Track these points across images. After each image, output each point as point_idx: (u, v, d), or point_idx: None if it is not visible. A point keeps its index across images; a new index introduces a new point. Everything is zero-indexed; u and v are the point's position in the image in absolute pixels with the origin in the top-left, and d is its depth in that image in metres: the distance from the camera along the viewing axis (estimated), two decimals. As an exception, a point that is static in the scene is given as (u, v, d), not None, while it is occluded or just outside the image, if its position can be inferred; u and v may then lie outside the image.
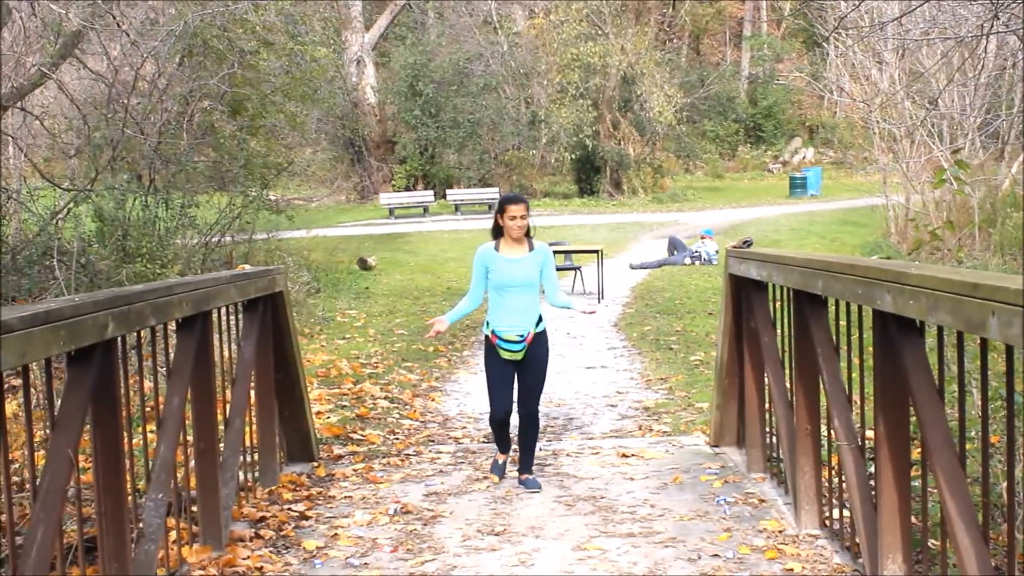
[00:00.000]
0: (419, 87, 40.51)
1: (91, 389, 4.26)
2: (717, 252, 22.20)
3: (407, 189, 41.28)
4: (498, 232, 7.00)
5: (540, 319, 6.96)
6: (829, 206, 35.12)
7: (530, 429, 7.07)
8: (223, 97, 18.00)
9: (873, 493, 4.81)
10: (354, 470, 7.43)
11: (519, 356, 6.86)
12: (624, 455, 7.66)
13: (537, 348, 6.93)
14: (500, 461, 7.26)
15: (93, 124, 15.69)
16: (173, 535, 5.31)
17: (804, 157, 54.61)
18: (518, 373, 6.95)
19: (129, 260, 13.66)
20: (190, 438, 5.71)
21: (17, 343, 3.47)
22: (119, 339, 4.50)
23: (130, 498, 4.66)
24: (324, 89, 25.05)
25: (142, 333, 5.09)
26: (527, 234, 6.95)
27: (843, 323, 5.39)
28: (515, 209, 6.82)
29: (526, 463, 7.07)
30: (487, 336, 6.96)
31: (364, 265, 22.30)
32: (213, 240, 17.25)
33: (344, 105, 39.57)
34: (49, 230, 13.37)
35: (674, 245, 23.68)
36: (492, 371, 6.97)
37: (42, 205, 14.23)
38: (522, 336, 6.83)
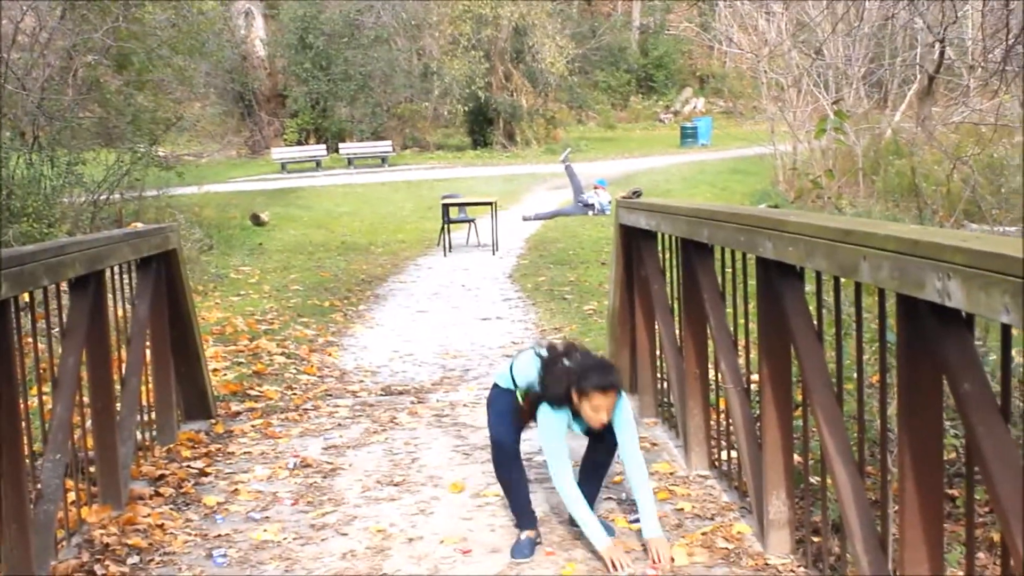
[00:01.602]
0: (309, 39, 40.10)
1: (-16, 351, 4.25)
2: (611, 202, 22.43)
3: (299, 143, 40.93)
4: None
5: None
6: (719, 155, 35.64)
7: None
8: (108, 51, 17.67)
9: (758, 434, 5.00)
10: (252, 426, 7.46)
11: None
12: (520, 404, 7.79)
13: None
14: (524, 538, 5.05)
15: (-30, 80, 15.32)
16: (72, 496, 5.32)
17: (695, 107, 55.25)
18: None
19: (15, 220, 13.39)
20: (86, 399, 5.70)
21: (-91, 306, 3.46)
22: (11, 300, 4.49)
23: (27, 460, 4.66)
24: (212, 42, 24.68)
25: (34, 294, 5.06)
26: None
27: (728, 270, 5.55)
28: (603, 401, 4.84)
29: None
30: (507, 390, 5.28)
31: (257, 221, 22.14)
32: (102, 198, 16.96)
33: (233, 58, 39.05)
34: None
35: (570, 175, 23.81)
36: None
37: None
38: None
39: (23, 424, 4.58)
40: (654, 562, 4.67)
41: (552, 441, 4.95)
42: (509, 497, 5.21)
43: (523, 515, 5.10)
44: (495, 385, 5.36)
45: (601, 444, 5.18)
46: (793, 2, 21.75)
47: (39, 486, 4.82)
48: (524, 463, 6.08)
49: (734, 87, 43.88)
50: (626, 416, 5.00)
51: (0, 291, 4.25)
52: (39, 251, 4.84)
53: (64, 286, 5.61)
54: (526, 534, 5.02)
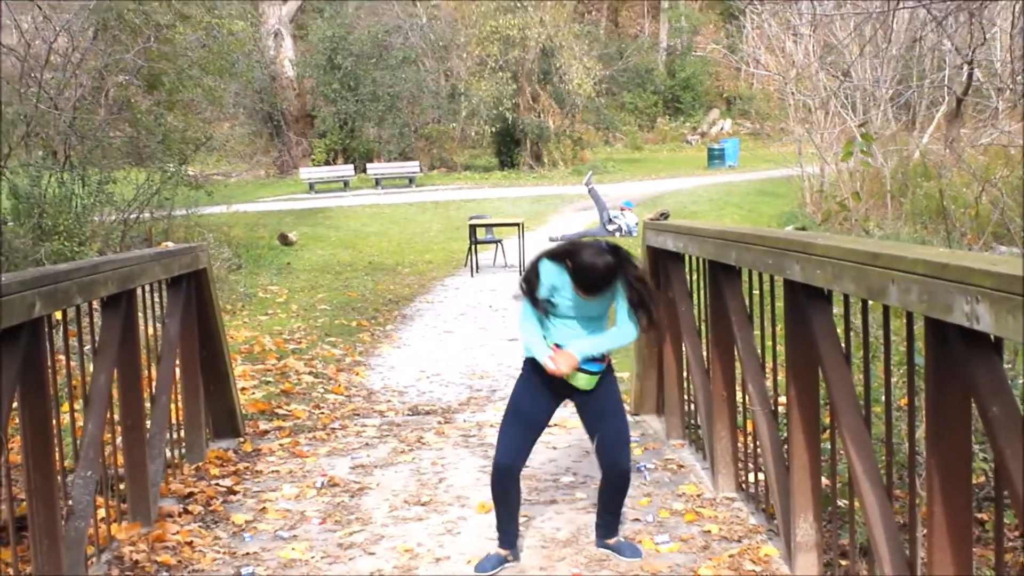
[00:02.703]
0: (338, 60, 40.27)
1: (18, 368, 4.30)
2: (637, 224, 22.42)
3: (327, 163, 41.06)
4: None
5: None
6: (746, 177, 35.57)
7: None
8: (139, 71, 17.83)
9: (786, 456, 5.00)
10: (280, 445, 7.50)
11: (592, 384, 5.03)
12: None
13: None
14: (492, 553, 5.12)
15: (5, 99, 15.48)
16: (101, 512, 5.36)
17: (722, 128, 55.22)
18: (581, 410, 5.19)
19: (46, 238, 13.52)
20: (114, 416, 5.74)
21: (-54, 324, 3.51)
22: (46, 318, 4.54)
23: (59, 476, 4.70)
24: (242, 63, 24.91)
25: (66, 312, 5.11)
26: None
27: (756, 292, 5.56)
28: (589, 299, 4.87)
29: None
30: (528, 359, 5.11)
31: (285, 240, 22.23)
32: (132, 217, 17.08)
33: (262, 79, 39.30)
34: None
35: (595, 198, 23.81)
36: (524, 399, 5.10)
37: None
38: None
39: (56, 441, 4.62)
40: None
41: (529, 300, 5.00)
42: (496, 511, 5.16)
43: (502, 532, 5.14)
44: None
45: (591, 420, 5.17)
46: (820, 24, 21.72)
47: (70, 502, 4.87)
48: (550, 483, 6.11)
49: (761, 108, 43.84)
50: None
51: (34, 309, 4.31)
52: (73, 269, 4.89)
53: (94, 304, 5.67)
54: (497, 550, 5.10)
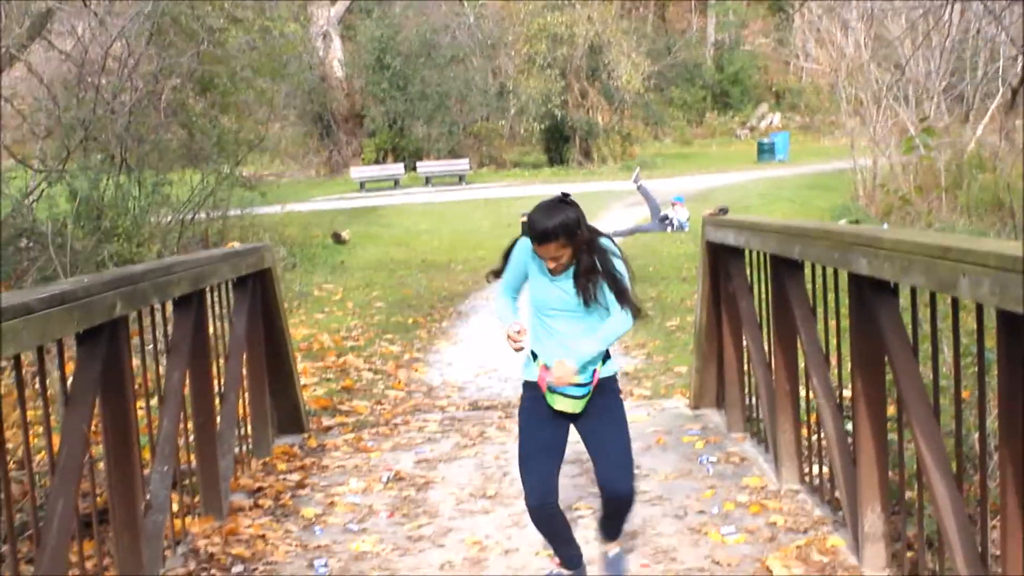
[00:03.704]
0: (386, 60, 40.51)
1: (100, 367, 4.42)
2: (688, 219, 22.40)
3: (377, 162, 41.29)
4: None
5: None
6: (797, 171, 35.39)
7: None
8: (193, 75, 18.04)
9: (851, 448, 5.02)
10: (344, 440, 7.61)
11: (578, 409, 4.62)
12: (607, 419, 7.85)
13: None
14: (555, 572, 4.89)
15: (63, 104, 15.73)
16: (175, 507, 5.48)
17: (771, 122, 54.96)
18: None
19: (106, 240, 13.72)
20: (185, 413, 5.86)
21: (39, 324, 3.63)
22: (125, 318, 4.66)
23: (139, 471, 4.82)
24: (293, 64, 25.10)
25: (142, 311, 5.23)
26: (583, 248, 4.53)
27: (819, 286, 5.58)
28: (541, 251, 4.48)
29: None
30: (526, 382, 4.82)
31: (338, 239, 22.40)
32: (187, 218, 17.30)
33: (312, 80, 39.57)
34: (22, 211, 13.37)
35: (645, 195, 23.80)
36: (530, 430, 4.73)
37: (14, 187, 14.20)
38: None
39: (135, 437, 4.74)
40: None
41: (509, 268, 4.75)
42: (549, 543, 4.88)
43: (563, 558, 4.79)
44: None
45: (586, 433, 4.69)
46: (873, 18, 21.62)
47: (147, 497, 4.98)
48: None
49: (811, 102, 43.62)
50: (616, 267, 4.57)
51: (115, 309, 4.42)
52: (148, 270, 5.01)
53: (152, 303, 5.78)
54: (558, 570, 4.83)
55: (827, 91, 28.22)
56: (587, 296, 4.51)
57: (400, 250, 21.39)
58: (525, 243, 4.61)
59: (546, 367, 4.60)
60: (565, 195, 4.52)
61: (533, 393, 4.70)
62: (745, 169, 39.03)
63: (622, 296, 4.53)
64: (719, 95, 57.28)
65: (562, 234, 4.38)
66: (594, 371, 4.59)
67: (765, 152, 43.11)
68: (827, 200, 25.52)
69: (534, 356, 4.69)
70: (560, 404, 4.58)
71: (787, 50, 37.96)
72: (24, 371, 4.08)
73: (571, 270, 4.53)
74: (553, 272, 4.52)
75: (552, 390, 4.56)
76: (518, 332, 4.63)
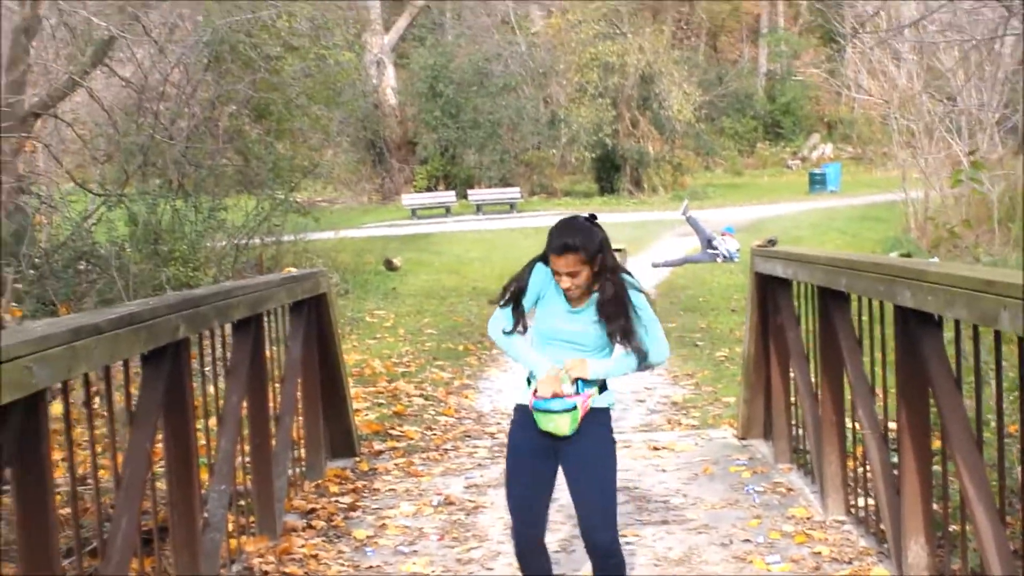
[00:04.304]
0: (439, 88, 40.82)
1: (163, 387, 4.57)
2: (738, 250, 22.41)
3: (428, 190, 41.59)
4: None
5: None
6: (849, 202, 35.26)
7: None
8: (249, 101, 18.35)
9: (896, 480, 5.08)
10: (395, 464, 7.74)
11: (561, 429, 4.30)
12: (655, 448, 7.94)
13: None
14: None
15: (123, 130, 16.06)
16: (230, 527, 5.62)
17: (823, 153, 54.73)
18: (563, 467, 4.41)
19: (163, 264, 13.98)
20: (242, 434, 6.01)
21: (108, 344, 3.79)
22: (187, 340, 4.81)
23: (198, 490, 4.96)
24: (348, 92, 25.41)
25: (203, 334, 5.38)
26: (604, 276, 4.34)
27: (865, 318, 5.64)
28: (560, 263, 4.26)
29: None
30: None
31: (390, 266, 22.60)
32: (242, 243, 17.56)
33: (365, 107, 39.96)
34: (81, 234, 13.64)
35: (694, 225, 23.87)
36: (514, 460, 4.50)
37: (75, 211, 14.50)
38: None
39: (196, 456, 4.89)
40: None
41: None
42: None
43: None
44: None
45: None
46: (925, 50, 21.58)
47: (205, 515, 5.12)
48: (660, 504, 6.25)
49: (863, 133, 43.46)
50: (639, 304, 4.36)
51: (178, 331, 4.58)
52: (210, 294, 5.18)
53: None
54: None
55: (879, 122, 28.12)
56: (613, 326, 4.27)
57: (451, 277, 21.54)
58: (542, 268, 4.36)
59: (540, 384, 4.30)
60: (592, 216, 4.44)
61: (521, 417, 4.43)
62: (796, 200, 38.93)
63: (632, 336, 4.30)
64: (771, 125, 57.17)
65: (582, 247, 4.21)
66: (585, 393, 4.29)
67: (817, 183, 42.96)
68: (878, 232, 25.43)
69: (529, 382, 4.41)
70: (545, 423, 4.27)
71: (839, 81, 37.82)
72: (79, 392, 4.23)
73: (592, 301, 4.31)
74: (568, 293, 4.27)
75: (537, 407, 4.26)
76: (556, 371, 4.29)
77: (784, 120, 57.02)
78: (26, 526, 3.52)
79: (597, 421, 4.37)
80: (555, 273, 4.27)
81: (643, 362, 4.38)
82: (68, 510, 4.03)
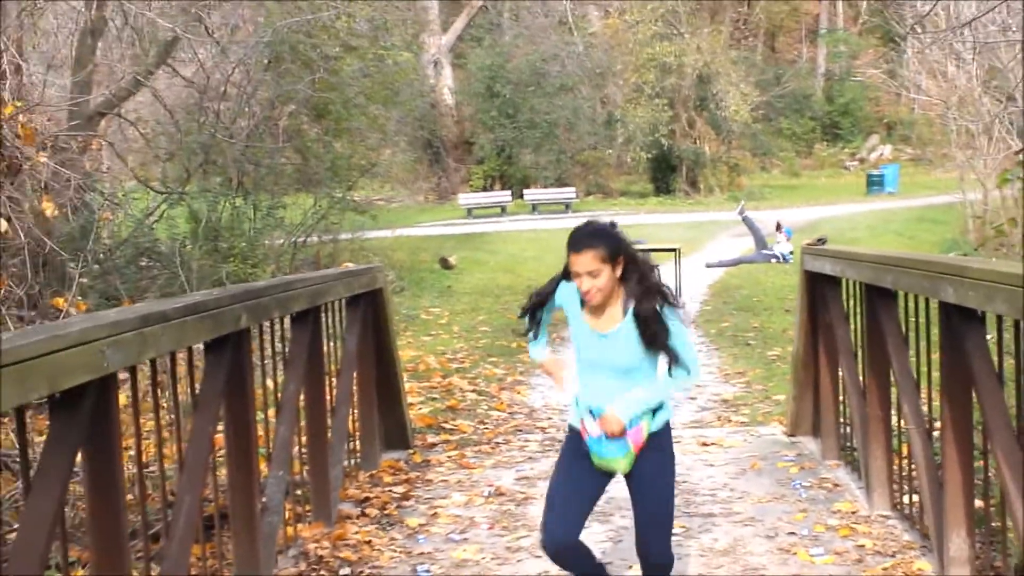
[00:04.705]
0: (496, 88, 41.04)
1: (225, 375, 4.75)
2: (792, 252, 22.40)
3: (484, 189, 41.81)
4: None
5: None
6: (907, 203, 35.05)
7: None
8: (308, 101, 18.60)
9: (939, 475, 5.15)
10: (448, 456, 7.89)
11: (620, 468, 4.31)
12: (704, 444, 8.03)
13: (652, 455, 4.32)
14: None
15: (184, 129, 16.37)
16: (287, 515, 5.80)
17: (881, 154, 54.31)
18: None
19: (223, 260, 14.25)
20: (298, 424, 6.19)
21: (174, 331, 3.97)
22: (248, 330, 4.99)
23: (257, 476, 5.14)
24: (405, 91, 25.63)
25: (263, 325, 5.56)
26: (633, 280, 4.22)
27: (912, 318, 5.71)
28: (579, 260, 4.11)
29: None
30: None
31: (445, 264, 22.81)
32: (300, 240, 17.83)
33: (423, 107, 40.26)
34: (143, 231, 13.93)
35: (750, 226, 23.92)
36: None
37: (137, 208, 14.79)
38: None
39: (255, 444, 5.07)
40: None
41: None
42: None
43: None
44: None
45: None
46: (985, 50, 21.42)
47: (264, 500, 5.30)
48: (708, 498, 6.35)
49: (923, 134, 43.05)
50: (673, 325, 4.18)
51: (240, 321, 4.76)
52: (271, 286, 5.37)
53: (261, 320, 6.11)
54: None
55: (938, 123, 27.92)
56: (651, 340, 4.14)
57: (506, 276, 21.70)
58: (566, 285, 4.29)
59: (587, 419, 4.28)
60: (613, 224, 4.25)
61: (575, 439, 4.38)
62: (854, 201, 38.74)
63: (673, 351, 4.18)
64: (829, 126, 56.81)
65: (602, 243, 4.06)
66: (636, 428, 4.22)
67: (874, 184, 42.71)
68: (936, 234, 25.30)
69: (578, 403, 4.39)
70: (599, 463, 4.27)
71: (898, 81, 37.55)
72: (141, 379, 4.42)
73: (622, 325, 4.16)
74: (587, 297, 4.11)
75: (592, 450, 4.25)
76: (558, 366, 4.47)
77: (843, 121, 56.64)
78: (95, 507, 3.70)
79: (656, 446, 4.29)
80: (575, 275, 4.11)
81: (687, 379, 4.27)
82: (131, 496, 4.21)
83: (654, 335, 4.14)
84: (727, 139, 43.05)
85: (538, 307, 4.50)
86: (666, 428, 4.36)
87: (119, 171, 16.76)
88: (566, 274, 4.26)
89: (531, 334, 4.63)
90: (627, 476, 4.33)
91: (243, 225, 15.86)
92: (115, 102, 14.61)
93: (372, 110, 20.83)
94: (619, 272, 4.13)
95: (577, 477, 4.33)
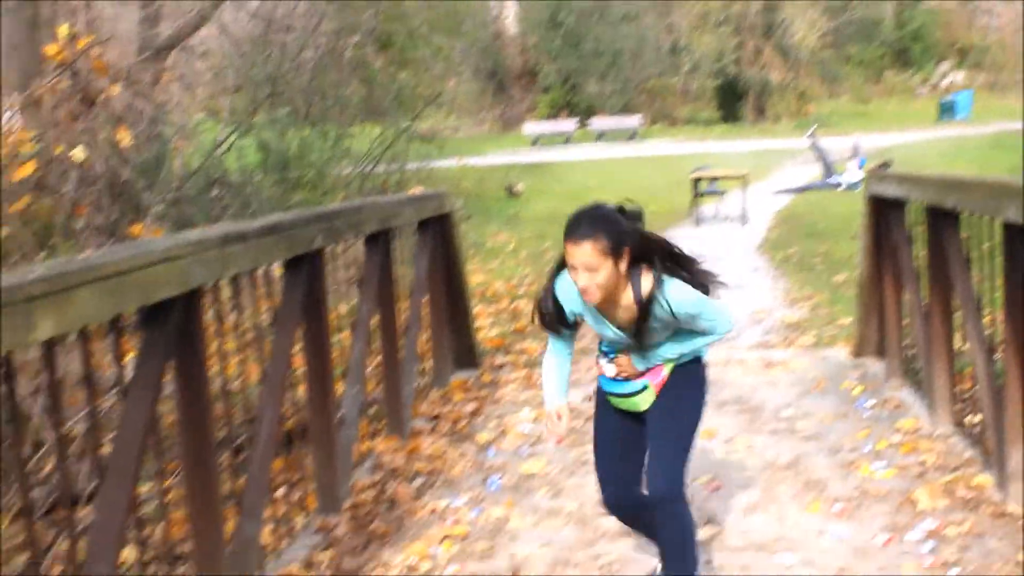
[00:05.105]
0: (560, 17, 40.85)
1: (302, 295, 4.93)
2: (861, 180, 22.23)
3: (550, 118, 41.75)
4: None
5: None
6: (979, 131, 34.49)
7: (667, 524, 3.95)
8: (373, 32, 18.71)
9: (1001, 392, 5.22)
10: (516, 376, 8.07)
11: (639, 406, 4.00)
12: (768, 365, 8.12)
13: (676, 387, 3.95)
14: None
15: (251, 61, 16.57)
16: (362, 433, 6.02)
17: (953, 81, 53.35)
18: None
19: (292, 190, 14.48)
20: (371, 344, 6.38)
21: (253, 249, 4.14)
22: (322, 251, 5.16)
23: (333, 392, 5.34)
24: (468, 22, 25.66)
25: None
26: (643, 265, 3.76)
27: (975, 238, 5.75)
28: (576, 252, 3.59)
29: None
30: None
31: (511, 192, 22.92)
32: (367, 170, 18.00)
33: (486, 37, 40.20)
34: (214, 161, 14.17)
35: (819, 152, 23.84)
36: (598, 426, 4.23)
37: (207, 139, 15.02)
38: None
39: (330, 360, 5.26)
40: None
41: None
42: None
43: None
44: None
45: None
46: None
47: (341, 413, 5.51)
48: (771, 416, 6.46)
49: (997, 59, 42.30)
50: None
51: (314, 242, 4.93)
52: (342, 210, 5.53)
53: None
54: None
55: (1012, 47, 27.41)
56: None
57: (571, 204, 21.25)
58: (565, 282, 3.83)
59: (603, 361, 4.03)
60: (621, 208, 3.73)
61: (601, 392, 4.14)
62: (924, 128, 38.19)
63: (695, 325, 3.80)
64: (899, 52, 55.78)
65: (604, 233, 3.55)
66: (656, 367, 3.90)
67: (946, 111, 42.08)
68: (1009, 160, 24.89)
69: (603, 353, 4.06)
70: (618, 403, 4.02)
71: (971, 5, 36.84)
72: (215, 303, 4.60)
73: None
74: (585, 296, 3.66)
75: (606, 391, 4.04)
76: (559, 417, 4.04)
77: (913, 47, 55.57)
78: (184, 420, 3.91)
79: (686, 372, 3.93)
80: (570, 268, 3.62)
81: (714, 338, 3.88)
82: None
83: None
84: (794, 66, 42.56)
85: (555, 319, 3.96)
86: (695, 362, 3.97)
87: (188, 103, 16.97)
88: (563, 264, 3.74)
89: (551, 337, 4.09)
90: (650, 408, 3.95)
91: (311, 155, 16.07)
92: (183, 35, 14.80)
93: (436, 40, 20.93)
94: (623, 267, 3.63)
95: (612, 428, 4.08)
